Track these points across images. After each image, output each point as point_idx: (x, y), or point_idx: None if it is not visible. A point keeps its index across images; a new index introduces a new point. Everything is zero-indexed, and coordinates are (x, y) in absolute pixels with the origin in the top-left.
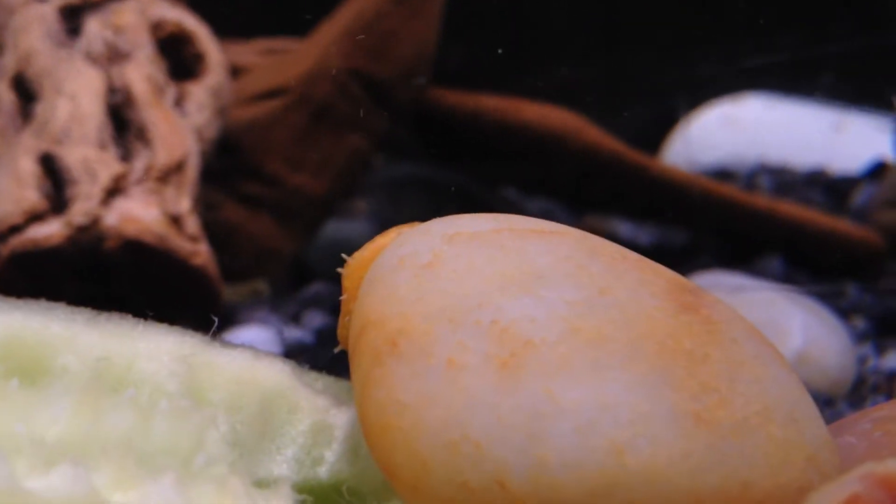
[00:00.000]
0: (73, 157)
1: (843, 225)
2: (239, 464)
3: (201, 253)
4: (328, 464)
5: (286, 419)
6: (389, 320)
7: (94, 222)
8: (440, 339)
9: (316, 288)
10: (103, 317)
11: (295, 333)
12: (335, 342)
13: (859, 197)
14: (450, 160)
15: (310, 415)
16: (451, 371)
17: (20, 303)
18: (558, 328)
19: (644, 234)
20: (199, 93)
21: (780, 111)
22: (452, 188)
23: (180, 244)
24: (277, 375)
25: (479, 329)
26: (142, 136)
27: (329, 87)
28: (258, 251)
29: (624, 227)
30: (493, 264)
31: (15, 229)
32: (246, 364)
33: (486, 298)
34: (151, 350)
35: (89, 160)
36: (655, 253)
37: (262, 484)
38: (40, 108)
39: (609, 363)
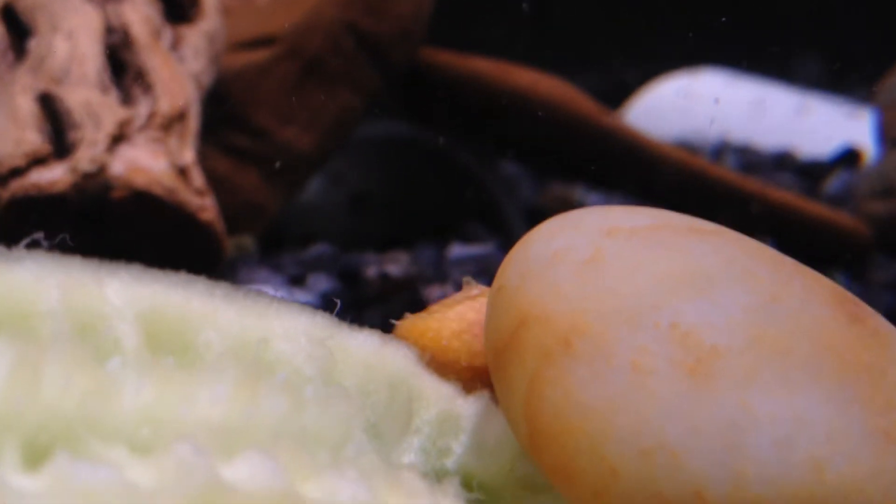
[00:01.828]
0: (75, 98)
1: (833, 214)
2: (379, 453)
3: (209, 208)
4: (455, 455)
5: (412, 407)
6: (557, 317)
7: (101, 170)
8: (619, 340)
9: (318, 250)
10: (240, 293)
11: (302, 298)
12: (341, 307)
13: (833, 183)
14: (432, 121)
15: (436, 403)
16: (636, 375)
17: (160, 274)
18: (741, 336)
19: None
20: (195, 38)
21: (740, 89)
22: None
23: (188, 198)
24: (402, 361)
25: (659, 332)
26: (141, 80)
27: (322, 39)
28: (243, 205)
29: (591, 197)
30: (659, 263)
31: (16, 172)
32: (374, 348)
33: (660, 300)
34: (287, 330)
35: (92, 103)
36: None
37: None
38: (34, 45)
39: (797, 376)
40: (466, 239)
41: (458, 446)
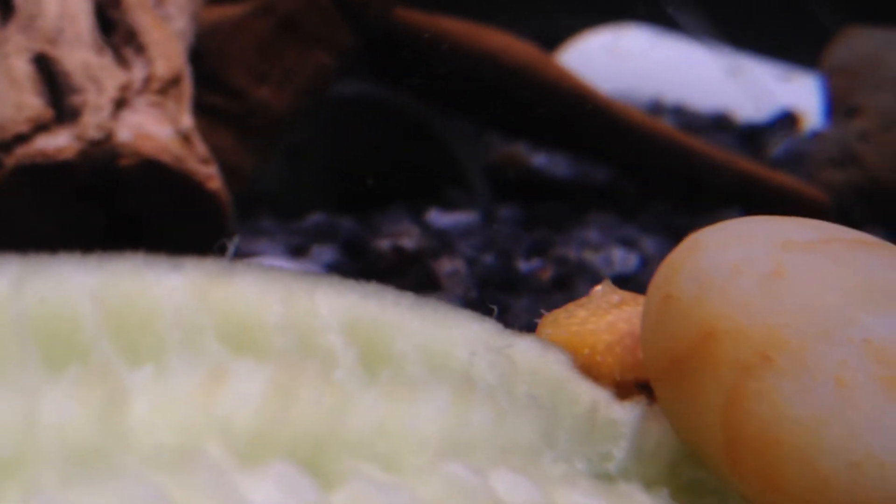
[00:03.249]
0: (73, 60)
1: (795, 183)
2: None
3: (215, 177)
4: (617, 460)
5: (570, 410)
6: (751, 331)
7: (108, 137)
8: (820, 355)
9: (316, 219)
10: (422, 301)
11: (309, 269)
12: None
13: (777, 148)
14: (399, 82)
15: (592, 406)
16: (841, 389)
17: (353, 284)
18: None
19: (561, 167)
20: None
21: (667, 47)
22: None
23: (196, 166)
24: (560, 366)
25: (855, 347)
26: (132, 41)
27: None
28: (219, 167)
29: (539, 158)
30: (840, 278)
31: (20, 139)
32: (538, 354)
33: (850, 315)
34: (467, 338)
35: (91, 66)
36: (579, 188)
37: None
38: (22, 2)
39: None
40: (443, 205)
41: (618, 451)
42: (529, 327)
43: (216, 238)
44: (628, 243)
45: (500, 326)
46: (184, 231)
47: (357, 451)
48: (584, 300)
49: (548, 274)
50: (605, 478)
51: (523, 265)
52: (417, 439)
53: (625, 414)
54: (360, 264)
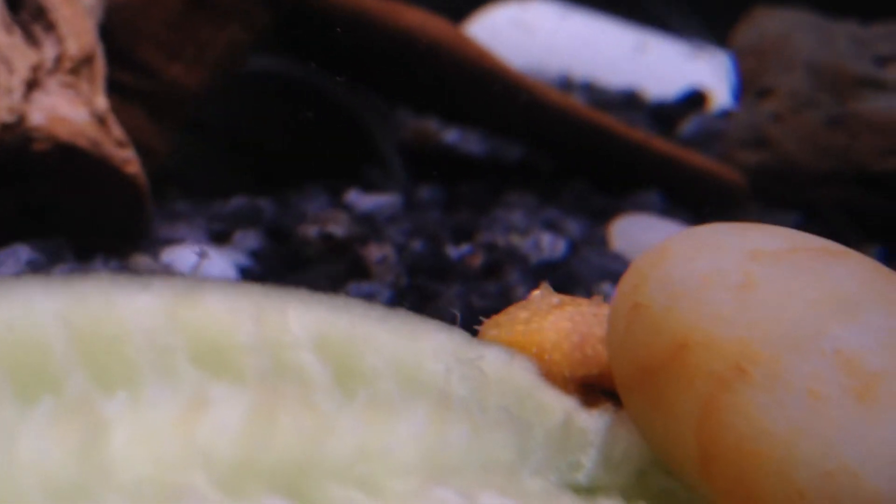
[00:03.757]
0: None
1: (712, 164)
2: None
3: (132, 161)
4: (586, 470)
5: (539, 420)
6: (724, 344)
7: (20, 120)
8: (793, 367)
9: (236, 203)
10: (390, 313)
11: (236, 259)
12: (278, 268)
13: (687, 127)
14: (314, 58)
15: (560, 416)
16: (813, 401)
17: (322, 297)
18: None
19: (473, 143)
20: None
21: (574, 22)
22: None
23: (112, 150)
24: (525, 373)
25: (825, 359)
26: (41, 18)
27: None
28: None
29: (451, 135)
30: (808, 289)
31: None
32: (505, 362)
33: (820, 326)
34: (435, 349)
35: (0, 45)
36: (494, 165)
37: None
38: None
39: None
40: (361, 185)
41: (587, 460)
42: (464, 315)
43: (135, 222)
44: (553, 227)
45: (467, 335)
46: (100, 216)
47: (339, 475)
48: (523, 303)
49: (478, 260)
50: (577, 489)
51: (453, 251)
52: (399, 461)
53: (592, 422)
54: (286, 251)
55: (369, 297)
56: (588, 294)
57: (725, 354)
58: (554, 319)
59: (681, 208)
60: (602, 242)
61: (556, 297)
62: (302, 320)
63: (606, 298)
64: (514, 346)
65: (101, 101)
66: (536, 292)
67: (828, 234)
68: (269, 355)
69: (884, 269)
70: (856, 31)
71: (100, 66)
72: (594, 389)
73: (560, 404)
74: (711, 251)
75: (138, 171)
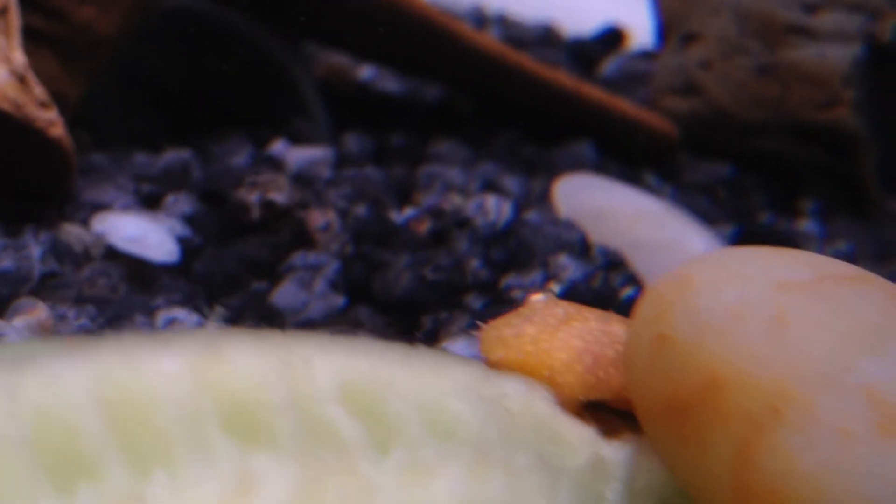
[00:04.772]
0: None
1: (644, 113)
2: None
3: (57, 123)
4: (609, 502)
5: (566, 459)
6: (758, 382)
7: None
8: (824, 406)
9: (162, 161)
10: (408, 351)
11: (172, 226)
12: (217, 236)
13: (608, 67)
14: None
15: (581, 447)
16: (842, 439)
17: (341, 340)
18: None
19: (390, 81)
20: None
21: None
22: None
23: (36, 112)
24: (544, 404)
25: (853, 395)
26: None
27: None
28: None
29: (366, 71)
30: (835, 322)
31: None
32: (524, 396)
33: (847, 360)
34: (456, 387)
35: None
36: (413, 105)
37: None
38: None
39: None
40: (285, 134)
41: (610, 492)
42: (417, 288)
43: (60, 187)
44: (494, 188)
45: (483, 367)
46: (23, 181)
47: None
48: (524, 311)
49: (424, 226)
50: None
51: (397, 216)
52: None
53: (614, 454)
54: (223, 216)
55: (316, 268)
56: (545, 266)
57: (759, 393)
58: (564, 337)
59: (613, 160)
60: (545, 203)
61: (560, 308)
62: (325, 369)
63: (572, 279)
64: (525, 368)
65: (20, 57)
66: (537, 297)
67: (762, 187)
68: (299, 412)
69: None
70: None
71: (14, 17)
72: (607, 411)
73: (582, 437)
74: (738, 281)
75: (63, 133)
